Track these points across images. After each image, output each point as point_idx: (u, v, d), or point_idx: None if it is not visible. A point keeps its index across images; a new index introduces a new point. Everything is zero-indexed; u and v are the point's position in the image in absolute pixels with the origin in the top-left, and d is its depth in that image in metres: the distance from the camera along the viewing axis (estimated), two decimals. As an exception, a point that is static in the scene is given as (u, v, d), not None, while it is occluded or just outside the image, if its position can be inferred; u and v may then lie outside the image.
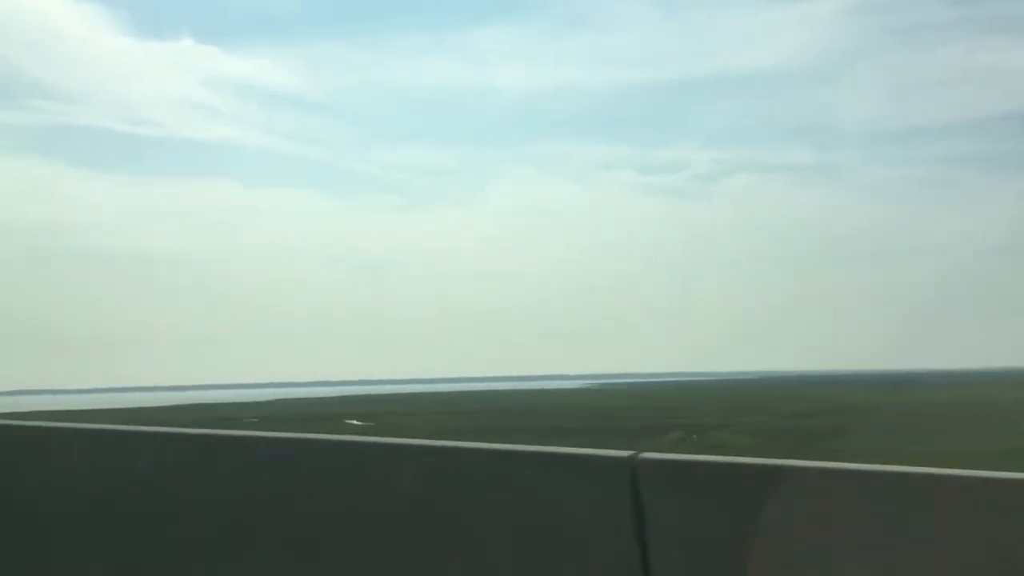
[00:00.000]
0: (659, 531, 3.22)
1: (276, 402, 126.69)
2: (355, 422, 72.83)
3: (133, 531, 4.14)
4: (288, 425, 69.06)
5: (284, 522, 3.85)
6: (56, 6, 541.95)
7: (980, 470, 3.00)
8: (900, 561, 2.94)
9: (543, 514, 3.44)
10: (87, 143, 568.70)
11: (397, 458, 3.89)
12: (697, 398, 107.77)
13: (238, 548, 3.94)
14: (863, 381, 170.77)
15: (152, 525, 4.10)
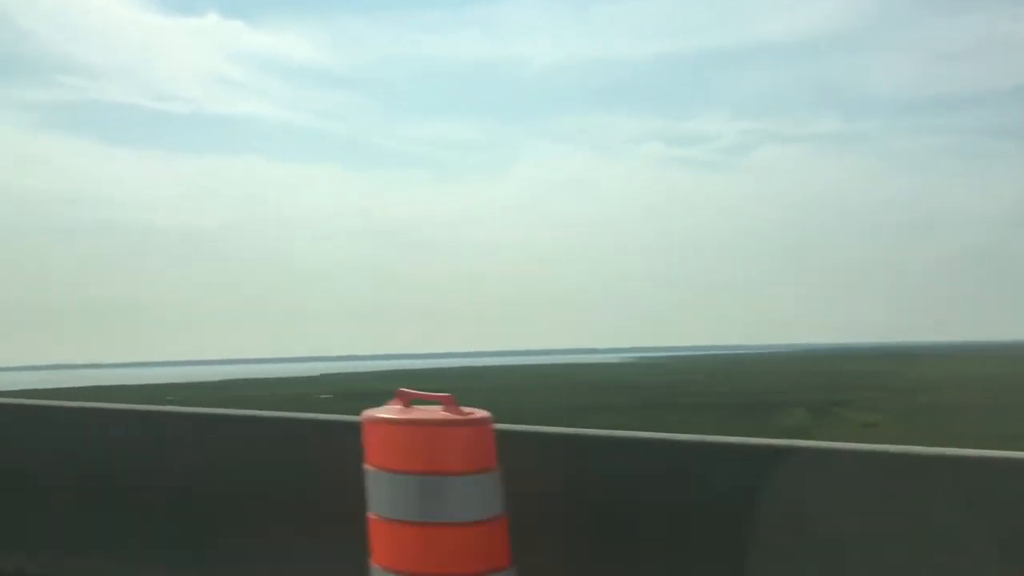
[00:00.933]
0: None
1: (329, 376, 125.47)
2: (434, 398, 70.90)
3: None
4: (367, 401, 67.30)
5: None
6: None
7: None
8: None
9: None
10: (115, 119, 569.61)
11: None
12: (758, 372, 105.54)
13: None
14: (899, 353, 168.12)
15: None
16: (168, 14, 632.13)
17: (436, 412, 3.40)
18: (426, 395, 3.49)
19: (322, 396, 74.97)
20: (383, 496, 3.29)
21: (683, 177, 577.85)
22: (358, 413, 3.73)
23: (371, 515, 3.36)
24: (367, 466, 3.37)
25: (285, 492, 4.15)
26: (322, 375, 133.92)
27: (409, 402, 3.45)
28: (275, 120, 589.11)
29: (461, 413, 3.38)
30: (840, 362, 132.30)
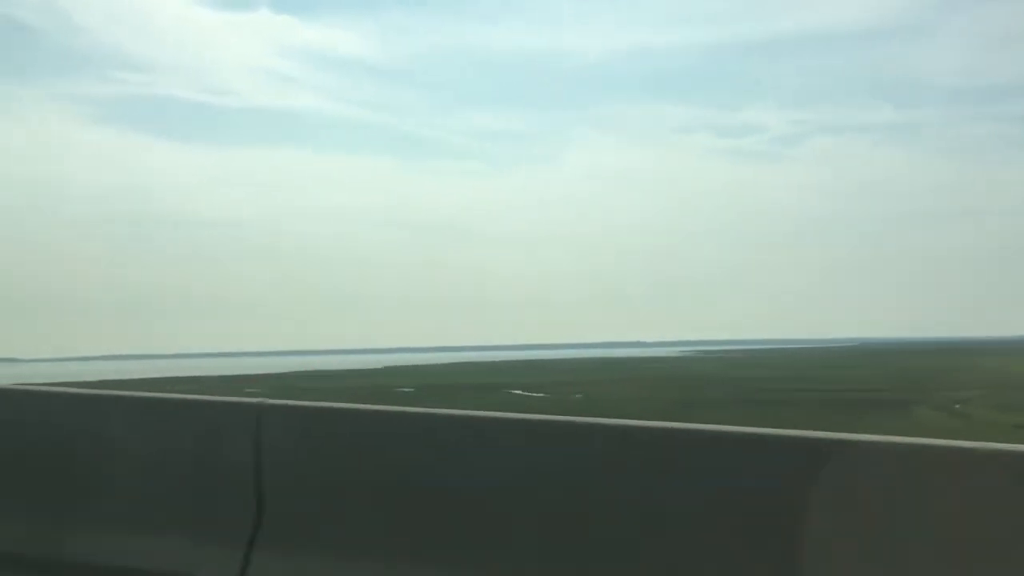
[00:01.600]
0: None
1: (392, 369, 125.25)
2: (520, 391, 70.20)
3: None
4: (447, 394, 66.74)
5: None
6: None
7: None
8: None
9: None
10: (168, 113, 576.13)
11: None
12: (834, 367, 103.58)
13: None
14: (955, 348, 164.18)
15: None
16: (220, 9, 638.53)
17: None
18: None
19: (405, 389, 74.44)
20: None
21: (732, 168, 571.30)
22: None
23: None
24: None
25: None
26: (385, 367, 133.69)
27: None
28: (324, 113, 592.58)
29: None
30: (906, 357, 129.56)
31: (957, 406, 46.48)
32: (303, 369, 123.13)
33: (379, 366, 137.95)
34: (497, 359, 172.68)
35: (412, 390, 74.56)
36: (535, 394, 67.82)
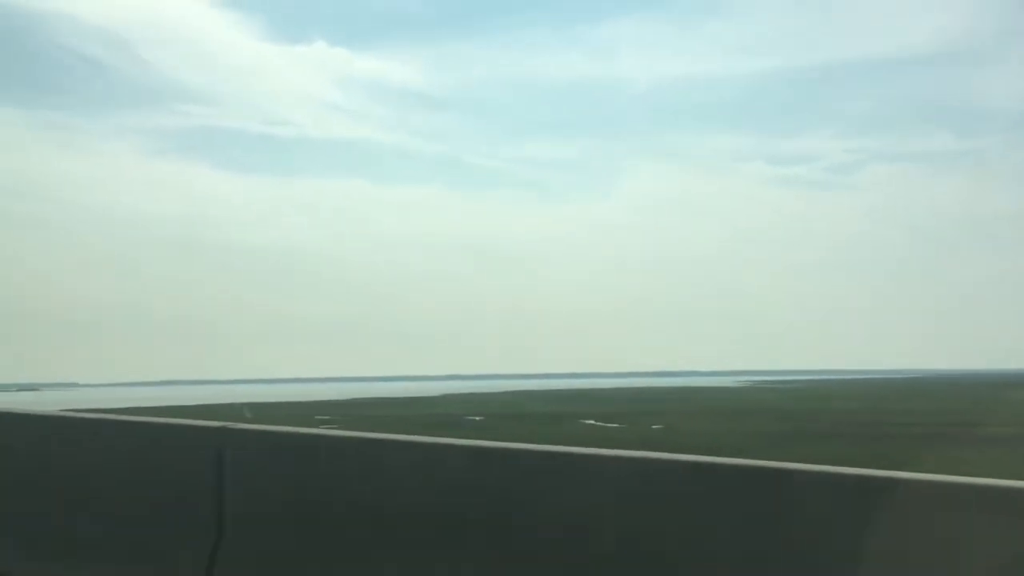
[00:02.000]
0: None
1: (453, 397, 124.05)
2: (593, 422, 68.29)
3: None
4: (517, 423, 65.11)
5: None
6: (200, 14, 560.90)
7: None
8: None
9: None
10: (227, 144, 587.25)
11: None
12: (907, 398, 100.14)
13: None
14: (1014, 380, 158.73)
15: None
16: (278, 43, 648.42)
17: None
18: None
19: (475, 418, 72.92)
20: None
21: (788, 197, 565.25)
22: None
23: None
24: None
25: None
26: (443, 395, 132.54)
27: None
28: (378, 143, 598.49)
29: None
30: (982, 389, 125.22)
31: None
32: (361, 396, 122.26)
33: (436, 394, 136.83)
34: (551, 387, 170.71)
35: (482, 418, 73.11)
36: (610, 424, 65.71)
